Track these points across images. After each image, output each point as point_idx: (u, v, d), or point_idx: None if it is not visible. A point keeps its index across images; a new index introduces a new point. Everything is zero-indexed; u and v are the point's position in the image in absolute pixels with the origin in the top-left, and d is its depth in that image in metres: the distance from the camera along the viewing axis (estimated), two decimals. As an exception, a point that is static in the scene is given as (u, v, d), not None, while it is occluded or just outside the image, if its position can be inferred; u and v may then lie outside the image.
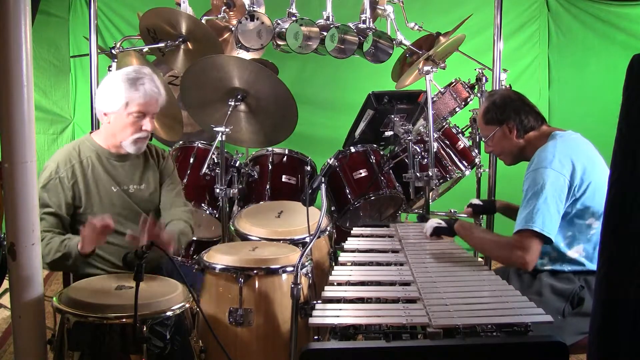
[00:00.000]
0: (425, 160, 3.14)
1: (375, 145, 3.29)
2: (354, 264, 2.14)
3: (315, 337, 2.10)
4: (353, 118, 3.40)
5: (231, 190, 2.88)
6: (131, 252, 1.85)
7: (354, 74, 4.56)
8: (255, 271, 2.13)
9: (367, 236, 2.49)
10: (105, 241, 2.14)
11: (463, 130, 3.47)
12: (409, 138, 3.12)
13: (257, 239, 2.58)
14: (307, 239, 2.36)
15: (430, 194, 3.21)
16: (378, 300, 1.77)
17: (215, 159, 2.93)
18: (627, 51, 2.57)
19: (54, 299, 1.85)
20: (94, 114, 2.85)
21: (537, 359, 1.44)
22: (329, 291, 1.79)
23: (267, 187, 3.21)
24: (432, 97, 3.18)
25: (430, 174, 3.01)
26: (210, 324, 1.99)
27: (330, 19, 3.28)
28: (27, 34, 1.65)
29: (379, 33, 3.42)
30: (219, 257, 2.18)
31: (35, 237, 1.72)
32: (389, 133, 3.34)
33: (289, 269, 2.15)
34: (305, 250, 1.87)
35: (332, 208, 3.19)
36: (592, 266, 2.10)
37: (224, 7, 3.20)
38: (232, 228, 2.75)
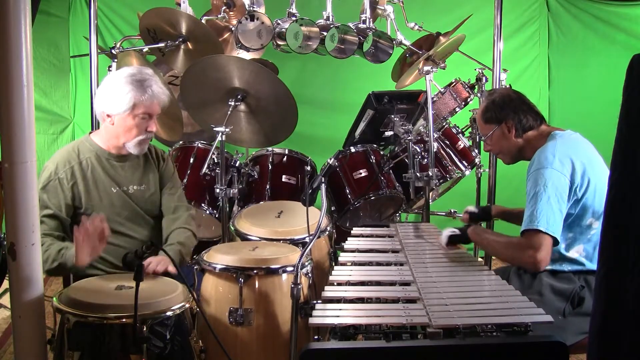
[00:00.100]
0: (425, 160, 3.14)
1: (375, 145, 3.29)
2: (354, 264, 2.14)
3: (315, 337, 2.10)
4: (353, 118, 3.40)
5: (231, 190, 2.88)
6: (131, 252, 1.85)
7: (354, 74, 4.56)
8: (255, 271, 2.13)
9: (367, 236, 2.49)
10: (100, 253, 2.10)
11: (463, 130, 3.47)
12: (409, 138, 3.12)
13: (257, 239, 2.58)
14: (307, 239, 2.36)
15: (430, 194, 3.22)
16: (378, 300, 1.77)
17: (215, 159, 2.93)
18: (627, 51, 2.57)
19: (54, 299, 1.85)
20: (94, 114, 2.84)
21: (537, 359, 1.44)
22: (329, 291, 1.79)
23: (267, 187, 3.21)
24: (432, 97, 3.17)
25: (430, 174, 3.01)
26: (210, 324, 1.99)
27: (330, 19, 3.28)
28: (27, 34, 1.65)
29: (379, 33, 3.42)
30: (219, 257, 2.18)
31: (35, 237, 1.72)
32: (389, 133, 3.34)
33: (289, 269, 2.15)
34: (305, 250, 1.87)
35: (332, 208, 3.19)
36: (592, 266, 2.10)
37: (224, 7, 3.20)
38: (232, 228, 2.75)
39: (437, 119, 3.40)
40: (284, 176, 3.26)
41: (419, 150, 3.13)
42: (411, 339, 1.53)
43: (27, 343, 1.75)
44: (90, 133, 2.43)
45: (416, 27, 3.61)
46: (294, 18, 3.16)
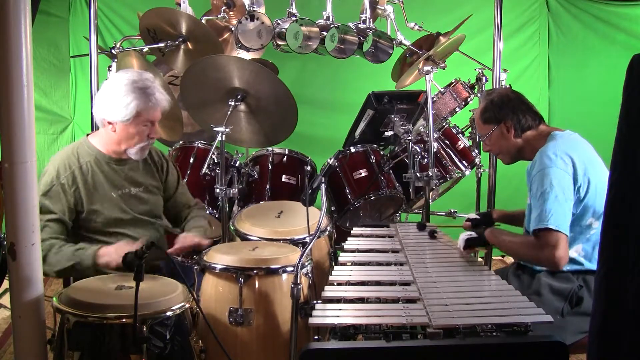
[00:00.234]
0: (425, 160, 3.14)
1: (375, 145, 3.29)
2: (354, 264, 2.14)
3: (315, 337, 2.10)
4: (353, 118, 3.40)
5: (231, 190, 2.88)
6: (131, 253, 1.84)
7: (354, 74, 4.56)
8: (255, 271, 2.13)
9: (367, 236, 2.49)
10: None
11: (463, 130, 3.47)
12: (409, 138, 3.12)
13: (257, 239, 2.58)
14: (307, 239, 2.36)
15: (430, 194, 3.21)
16: (378, 300, 1.77)
17: (215, 159, 2.93)
18: (627, 51, 2.57)
19: (54, 299, 1.85)
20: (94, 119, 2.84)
21: (537, 359, 1.44)
22: (329, 291, 1.79)
23: (267, 187, 3.21)
24: (432, 97, 3.17)
25: (430, 174, 3.01)
26: (210, 324, 1.99)
27: (330, 19, 3.28)
28: (27, 34, 1.65)
29: (379, 33, 3.42)
30: (219, 257, 2.18)
31: (35, 237, 1.72)
32: (389, 133, 3.34)
33: (289, 269, 2.15)
34: (305, 250, 1.87)
35: (332, 208, 3.19)
36: (591, 266, 2.10)
37: (224, 7, 3.20)
38: (232, 228, 2.74)
39: (437, 119, 3.40)
40: (284, 176, 3.26)
41: (419, 150, 3.13)
42: (411, 339, 1.53)
43: (27, 343, 1.76)
44: (88, 135, 2.41)
45: (416, 27, 3.61)
46: (294, 18, 3.16)
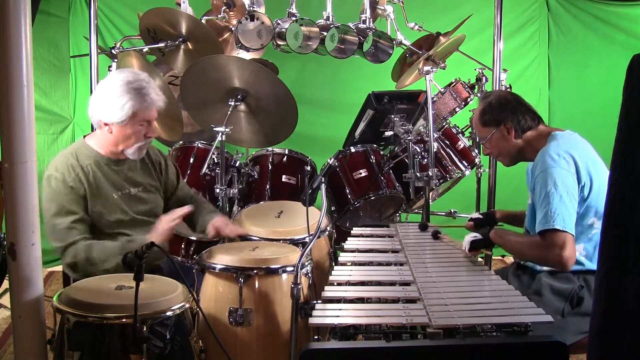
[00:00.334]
0: (425, 160, 3.14)
1: (375, 145, 3.29)
2: (354, 264, 2.14)
3: (315, 337, 2.10)
4: (353, 118, 3.40)
5: (231, 190, 2.88)
6: (131, 252, 1.84)
7: (354, 74, 4.56)
8: (255, 271, 2.13)
9: (367, 236, 2.49)
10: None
11: (463, 130, 3.47)
12: (409, 138, 3.12)
13: (257, 239, 2.58)
14: (307, 239, 2.36)
15: (430, 194, 3.21)
16: (378, 300, 1.77)
17: (215, 159, 2.93)
18: (627, 51, 2.57)
19: (54, 299, 1.85)
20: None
21: (537, 359, 1.44)
22: (329, 291, 1.79)
23: (267, 187, 3.21)
24: (432, 97, 3.18)
25: (430, 174, 3.01)
26: (210, 324, 1.99)
27: (330, 19, 3.28)
28: (27, 34, 1.65)
29: (379, 33, 3.42)
30: (219, 257, 2.18)
31: (35, 237, 1.72)
32: (389, 133, 3.34)
33: (289, 269, 2.15)
34: (305, 250, 1.87)
35: (332, 208, 3.19)
36: (592, 265, 2.10)
37: (224, 7, 3.20)
38: (232, 228, 2.74)
39: (437, 119, 3.40)
40: (284, 176, 3.26)
41: (419, 150, 3.13)
42: (411, 339, 1.53)
43: (27, 343, 1.76)
44: (85, 137, 2.40)
45: (416, 27, 3.61)
46: (294, 18, 3.16)
